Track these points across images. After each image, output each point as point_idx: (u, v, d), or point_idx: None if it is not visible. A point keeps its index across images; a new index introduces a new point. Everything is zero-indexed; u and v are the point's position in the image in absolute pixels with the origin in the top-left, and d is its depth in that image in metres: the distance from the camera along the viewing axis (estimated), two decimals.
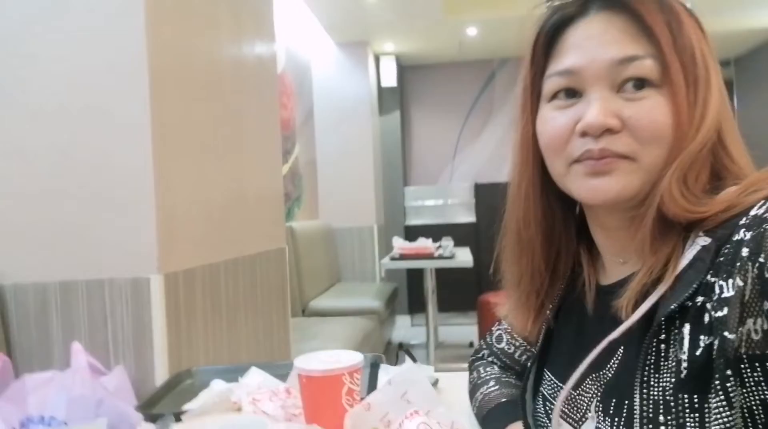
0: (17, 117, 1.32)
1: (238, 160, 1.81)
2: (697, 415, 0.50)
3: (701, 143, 0.57)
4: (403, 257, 3.95)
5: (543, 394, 0.74)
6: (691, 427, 0.50)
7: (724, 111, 0.60)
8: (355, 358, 0.79)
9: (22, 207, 1.31)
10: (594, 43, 0.61)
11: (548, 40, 0.66)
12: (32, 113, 1.31)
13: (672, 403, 0.52)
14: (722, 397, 0.48)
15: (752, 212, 0.51)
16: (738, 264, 0.49)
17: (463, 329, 5.13)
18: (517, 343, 0.90)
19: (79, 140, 1.31)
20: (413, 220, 5.78)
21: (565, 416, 0.68)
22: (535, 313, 0.74)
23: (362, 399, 0.75)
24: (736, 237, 0.51)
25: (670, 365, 0.53)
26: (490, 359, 0.95)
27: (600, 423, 0.61)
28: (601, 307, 0.66)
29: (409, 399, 0.75)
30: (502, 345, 0.92)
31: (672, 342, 0.53)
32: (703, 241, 0.54)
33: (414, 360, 1.18)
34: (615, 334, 0.58)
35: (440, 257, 3.89)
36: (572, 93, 0.62)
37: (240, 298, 1.76)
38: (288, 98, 4.13)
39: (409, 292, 5.66)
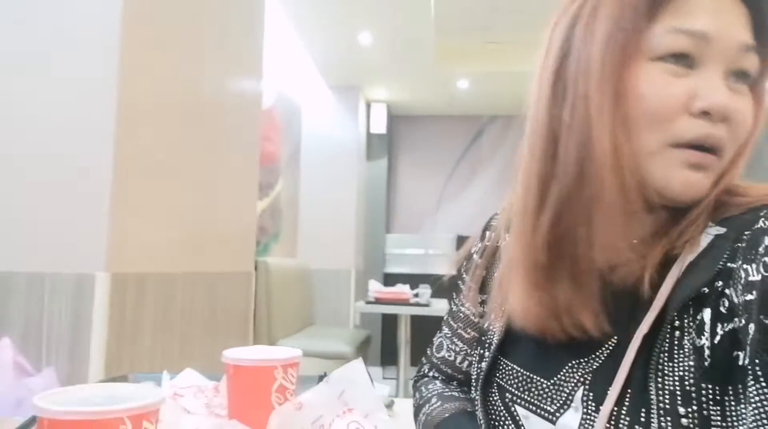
0: None
1: (211, 182, 1.80)
2: (718, 407, 0.48)
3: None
4: (378, 301, 3.86)
5: (498, 384, 0.67)
6: (715, 419, 0.48)
7: None
8: (291, 351, 0.72)
9: None
10: (726, 17, 0.53)
11: None
12: None
13: (693, 394, 0.49)
14: (763, 383, 0.44)
15: None
16: (761, 249, 0.47)
17: None
18: (457, 348, 0.81)
19: (35, 138, 1.27)
20: (393, 268, 5.71)
21: (530, 408, 0.62)
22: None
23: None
24: (758, 225, 0.49)
25: (686, 353, 0.50)
26: (431, 374, 0.87)
27: (588, 414, 0.56)
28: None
29: (346, 400, 0.68)
30: (442, 353, 0.84)
31: (687, 329, 0.51)
32: (716, 230, 0.53)
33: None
34: (645, 328, 0.53)
35: (416, 304, 3.81)
36: (685, 60, 0.54)
37: (197, 315, 1.68)
38: (275, 133, 4.12)
39: (383, 343, 5.52)
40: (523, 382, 0.63)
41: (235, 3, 2.00)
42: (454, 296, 0.82)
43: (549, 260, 0.58)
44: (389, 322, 5.22)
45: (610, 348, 0.57)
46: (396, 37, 4.02)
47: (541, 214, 0.58)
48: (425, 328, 4.66)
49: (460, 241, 5.64)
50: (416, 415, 0.82)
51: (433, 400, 0.79)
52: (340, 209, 4.96)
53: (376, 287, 3.99)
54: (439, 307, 3.78)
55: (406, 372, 4.24)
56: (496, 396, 0.67)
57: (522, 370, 0.64)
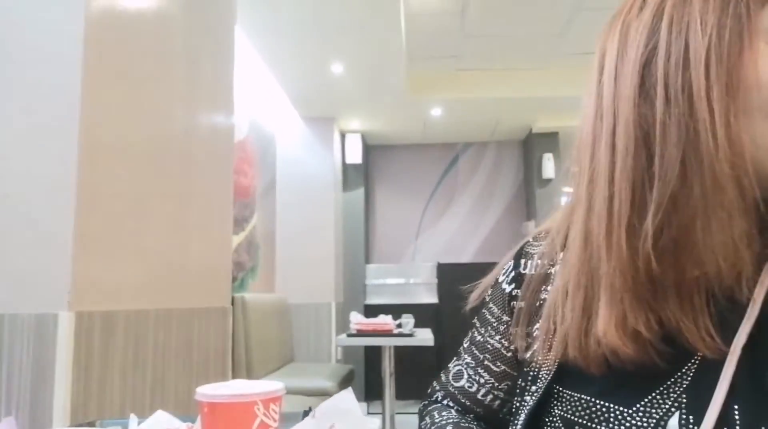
0: None
1: (182, 217, 1.75)
2: None
3: None
4: (360, 334, 3.77)
5: (563, 417, 0.59)
6: None
7: None
8: (273, 385, 0.65)
9: None
10: None
11: None
12: None
13: None
14: None
15: None
16: None
17: None
18: (482, 381, 0.75)
19: None
20: (373, 299, 5.62)
21: None
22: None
23: None
24: None
25: None
26: (445, 402, 0.80)
27: None
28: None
29: None
30: (461, 383, 0.77)
31: None
32: None
33: None
34: (743, 339, 0.49)
35: (400, 335, 3.72)
36: None
37: (172, 353, 1.59)
38: (249, 166, 4.07)
39: (366, 377, 5.39)
40: (598, 413, 0.56)
41: (203, 36, 1.97)
42: (479, 325, 0.77)
43: (657, 273, 0.51)
44: (372, 355, 5.11)
45: (696, 364, 0.52)
46: (368, 67, 4.03)
47: (643, 222, 0.51)
48: (410, 358, 4.60)
49: (441, 268, 5.61)
50: None
51: (449, 428, 0.73)
52: (317, 241, 4.89)
53: (357, 319, 3.89)
54: (424, 336, 3.70)
55: (392, 406, 4.12)
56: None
57: (594, 400, 0.57)
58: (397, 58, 3.88)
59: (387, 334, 3.74)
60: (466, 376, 0.77)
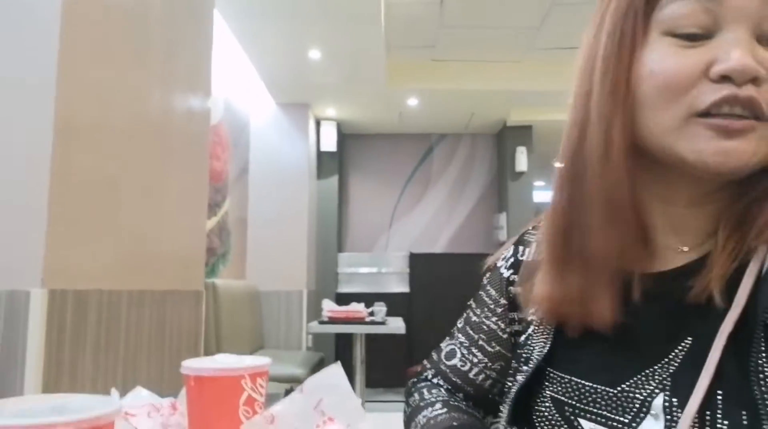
0: None
1: (157, 199, 1.73)
2: None
3: None
4: (332, 321, 3.76)
5: (554, 398, 0.61)
6: None
7: None
8: (259, 359, 0.65)
9: None
10: None
11: None
12: None
13: None
14: None
15: None
16: None
17: (393, 406, 4.89)
18: (475, 360, 0.75)
19: None
20: (345, 288, 5.61)
21: (599, 419, 0.57)
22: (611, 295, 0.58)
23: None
24: None
25: None
26: (435, 380, 0.80)
27: (673, 421, 0.52)
28: (663, 296, 0.57)
29: (324, 410, 0.61)
30: (454, 361, 0.78)
31: None
32: None
33: None
34: (729, 327, 0.50)
35: (372, 323, 3.73)
36: (694, 36, 0.51)
37: (144, 336, 1.57)
38: (222, 150, 4.01)
39: None
40: (586, 394, 0.58)
41: (182, 18, 1.93)
42: (474, 306, 0.78)
43: (561, 249, 0.59)
44: (343, 343, 5.11)
45: (685, 350, 0.54)
46: (345, 55, 4.00)
47: (559, 204, 0.60)
48: (381, 347, 4.61)
49: (413, 258, 5.63)
50: (413, 416, 0.75)
51: (438, 405, 0.73)
52: (290, 229, 4.86)
53: (329, 306, 3.89)
54: (396, 325, 3.72)
55: (363, 394, 4.14)
56: (552, 410, 0.61)
57: (583, 381, 0.59)
58: (375, 47, 3.86)
59: (359, 321, 3.75)
60: (458, 355, 0.77)
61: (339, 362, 0.62)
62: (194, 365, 0.61)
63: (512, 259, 0.74)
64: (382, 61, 4.11)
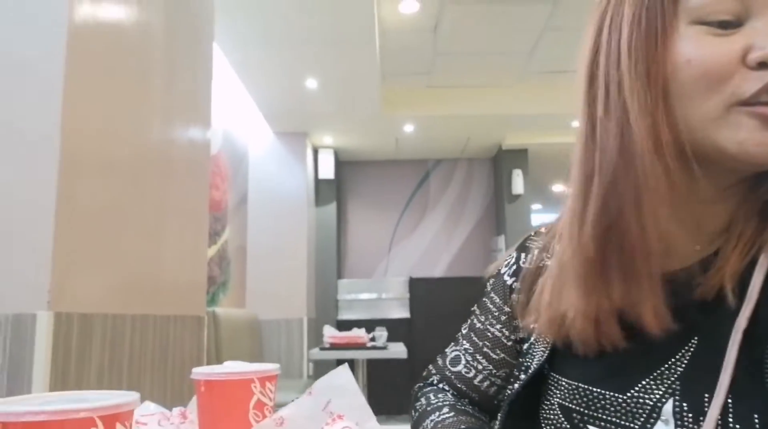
0: None
1: (159, 227, 1.76)
2: None
3: None
4: (333, 347, 3.75)
5: (561, 405, 0.60)
6: None
7: None
8: (268, 365, 0.66)
9: None
10: None
11: None
12: None
13: None
14: None
15: None
16: None
17: None
18: (479, 367, 0.75)
19: None
20: (346, 315, 5.59)
21: (608, 426, 0.56)
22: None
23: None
24: None
25: None
26: (441, 385, 0.80)
27: (684, 425, 0.51)
28: (670, 295, 0.54)
29: (332, 411, 0.62)
30: (458, 368, 0.77)
31: None
32: None
33: None
34: (743, 323, 0.49)
35: (373, 348, 3.71)
36: (726, 24, 0.49)
37: (147, 360, 1.57)
38: (222, 180, 4.04)
39: None
40: (594, 400, 0.57)
41: (182, 50, 1.99)
42: (478, 313, 0.77)
43: (598, 254, 0.54)
44: None
45: (692, 350, 0.53)
46: (342, 83, 4.07)
47: (586, 210, 0.54)
48: (383, 372, 4.57)
49: (413, 283, 5.63)
50: (420, 421, 0.75)
51: (446, 410, 0.73)
52: (289, 256, 4.86)
53: (330, 333, 3.88)
54: (397, 349, 3.70)
55: None
56: (560, 418, 0.60)
57: (591, 387, 0.58)
58: (370, 75, 3.93)
59: (360, 347, 3.74)
60: (463, 362, 0.77)
61: (346, 364, 0.64)
62: (204, 371, 0.63)
63: (514, 267, 0.73)
64: (378, 88, 4.18)
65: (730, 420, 0.48)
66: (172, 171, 1.87)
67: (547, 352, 0.62)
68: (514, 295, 0.72)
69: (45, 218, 1.20)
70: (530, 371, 0.63)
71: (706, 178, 0.52)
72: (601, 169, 0.53)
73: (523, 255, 0.73)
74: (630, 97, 0.51)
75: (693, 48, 0.50)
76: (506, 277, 0.74)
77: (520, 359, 0.68)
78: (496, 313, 0.74)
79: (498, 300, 0.75)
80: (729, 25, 0.49)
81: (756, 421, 0.47)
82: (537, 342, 0.65)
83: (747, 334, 0.49)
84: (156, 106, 1.76)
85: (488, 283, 0.78)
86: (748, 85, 0.48)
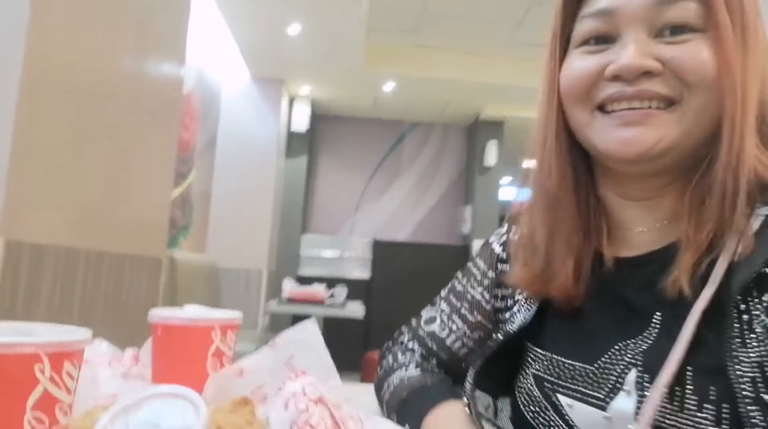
0: None
1: (123, 162, 1.69)
2: None
3: (761, 94, 0.54)
4: (291, 301, 3.73)
5: (536, 375, 0.64)
6: None
7: None
8: (230, 313, 0.62)
9: None
10: None
11: None
12: None
13: None
14: None
15: None
16: None
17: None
18: (454, 327, 0.77)
19: None
20: (306, 270, 5.57)
21: (576, 396, 0.59)
22: (568, 275, 0.62)
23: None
24: None
25: (759, 337, 0.48)
26: (410, 344, 0.82)
27: (645, 396, 0.52)
28: (631, 280, 0.60)
29: (295, 366, 0.60)
30: (432, 327, 0.79)
31: (754, 311, 0.50)
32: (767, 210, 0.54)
33: None
34: (702, 304, 0.52)
35: (331, 305, 3.71)
36: (604, 39, 0.58)
37: (100, 298, 1.52)
38: (191, 120, 3.91)
39: None
40: (564, 371, 0.61)
41: None
42: (460, 276, 0.80)
43: (533, 234, 0.65)
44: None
45: (657, 327, 0.56)
46: (326, 32, 3.94)
47: (542, 163, 0.65)
48: (339, 331, 4.58)
49: (377, 245, 5.62)
50: (385, 377, 0.77)
51: (411, 366, 0.76)
52: (254, 206, 4.78)
53: (290, 286, 3.86)
54: (354, 309, 3.71)
55: None
56: (532, 386, 0.64)
57: (561, 358, 0.62)
58: (356, 26, 3.81)
59: (318, 303, 3.73)
60: (438, 322, 0.79)
61: (314, 318, 0.61)
62: (163, 314, 0.59)
63: (504, 237, 0.76)
64: (362, 41, 4.07)
65: (688, 392, 0.51)
66: (141, 106, 1.79)
67: (528, 320, 0.65)
68: (500, 265, 0.75)
69: (1, 143, 1.13)
70: (515, 326, 0.66)
71: (631, 180, 0.60)
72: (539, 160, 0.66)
73: (514, 227, 0.75)
74: (542, 103, 0.64)
75: (568, 66, 0.61)
76: (495, 246, 0.77)
77: (500, 325, 0.71)
78: (479, 277, 0.76)
79: (483, 265, 0.77)
80: (601, 43, 0.58)
81: (711, 393, 0.50)
82: (519, 311, 0.68)
83: (708, 314, 0.52)
84: (129, 38, 1.68)
85: (475, 252, 0.82)
86: (601, 93, 0.57)
